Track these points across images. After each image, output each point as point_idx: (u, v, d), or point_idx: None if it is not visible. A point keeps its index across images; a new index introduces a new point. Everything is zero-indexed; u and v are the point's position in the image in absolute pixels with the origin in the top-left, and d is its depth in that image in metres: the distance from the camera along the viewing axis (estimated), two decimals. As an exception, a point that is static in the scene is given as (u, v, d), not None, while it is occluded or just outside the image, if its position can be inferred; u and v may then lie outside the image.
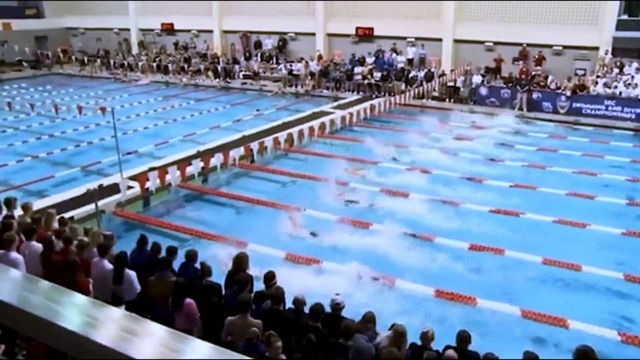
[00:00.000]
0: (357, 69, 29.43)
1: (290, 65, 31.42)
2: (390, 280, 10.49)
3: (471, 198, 14.88)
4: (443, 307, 9.70)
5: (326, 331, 6.44)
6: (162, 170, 15.16)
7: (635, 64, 25.25)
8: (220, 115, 24.99)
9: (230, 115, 24.74)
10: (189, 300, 6.66)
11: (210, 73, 33.60)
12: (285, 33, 34.50)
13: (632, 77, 24.47)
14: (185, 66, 34.53)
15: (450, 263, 11.49)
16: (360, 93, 28.81)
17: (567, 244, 12.43)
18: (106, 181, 14.98)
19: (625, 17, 26.03)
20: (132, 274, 7.38)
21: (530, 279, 11.05)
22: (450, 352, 6.07)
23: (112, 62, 37.45)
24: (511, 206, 14.19)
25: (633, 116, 23.27)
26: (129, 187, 14.44)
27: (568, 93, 24.48)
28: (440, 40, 29.90)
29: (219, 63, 34.00)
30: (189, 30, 37.87)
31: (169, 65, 35.00)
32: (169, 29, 38.69)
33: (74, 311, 2.01)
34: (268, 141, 18.53)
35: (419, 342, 6.52)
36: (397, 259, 11.53)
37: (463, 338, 6.30)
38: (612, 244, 12.53)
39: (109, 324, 1.98)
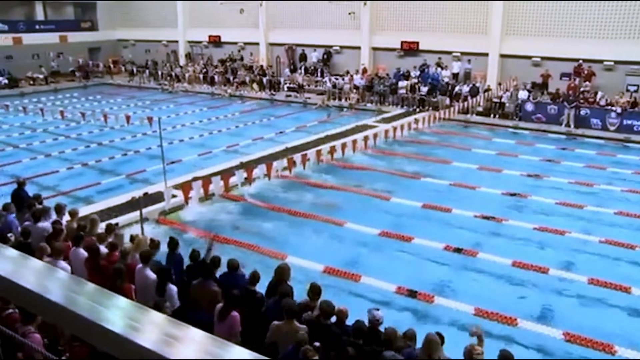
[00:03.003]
0: (402, 83, 29.35)
1: (335, 79, 31.56)
2: (427, 298, 10.42)
3: (514, 215, 14.66)
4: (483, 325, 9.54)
5: (367, 347, 6.39)
6: (206, 180, 15.39)
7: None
8: (265, 127, 25.23)
9: (274, 128, 24.96)
10: (234, 313, 6.73)
11: (255, 85, 33.99)
12: (331, 46, 34.70)
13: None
14: (231, 78, 35.03)
15: (492, 280, 11.37)
16: (405, 107, 28.71)
17: (616, 264, 12.14)
18: (151, 189, 15.30)
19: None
20: (173, 288, 7.48)
21: (574, 299, 10.80)
22: None
23: (159, 72, 38.28)
24: (557, 224, 13.92)
25: (686, 134, 22.55)
26: (173, 196, 14.69)
27: (619, 109, 23.89)
28: (486, 54, 29.58)
29: (264, 75, 34.39)
30: (235, 43, 38.47)
31: (215, 76, 35.57)
32: (215, 41, 39.37)
33: (118, 314, 2.06)
34: (311, 154, 18.63)
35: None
36: (438, 277, 11.47)
37: (506, 358, 6.11)
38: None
39: (152, 327, 2.02)
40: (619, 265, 12.15)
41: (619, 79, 26.25)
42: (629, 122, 23.64)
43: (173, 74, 37.63)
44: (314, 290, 7.42)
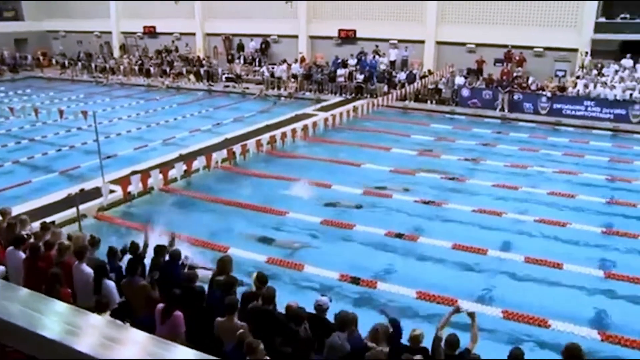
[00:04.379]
0: (340, 71, 29.49)
1: (273, 68, 31.42)
2: (370, 284, 10.56)
3: (454, 198, 15.00)
4: (426, 308, 9.74)
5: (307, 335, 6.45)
6: (145, 173, 15.11)
7: (613, 66, 25.62)
8: (204, 119, 24.90)
9: (213, 119, 24.69)
10: (177, 313, 6.62)
11: (192, 76, 33.48)
12: (268, 35, 34.52)
13: (611, 78, 24.82)
14: (168, 69, 34.37)
15: (433, 263, 11.62)
16: (343, 95, 28.87)
17: (549, 242, 12.62)
18: (88, 185, 14.92)
19: (602, 19, 26.46)
20: (110, 284, 7.32)
21: (512, 278, 11.16)
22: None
23: (93, 65, 37.17)
24: (494, 206, 14.33)
25: (611, 116, 23.63)
26: (111, 191, 14.37)
27: (549, 94, 24.76)
28: (422, 42, 30.09)
29: (201, 66, 33.90)
30: (171, 33, 37.71)
31: (151, 68, 34.83)
32: (151, 32, 38.49)
33: (54, 319, 2.00)
34: (250, 144, 18.54)
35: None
36: (378, 261, 11.64)
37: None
38: (593, 242, 12.69)
39: (91, 331, 1.98)
40: (552, 243, 12.63)
41: (548, 64, 27.28)
42: (559, 106, 24.56)
43: (107, 66, 36.64)
44: (260, 279, 7.41)
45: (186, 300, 6.85)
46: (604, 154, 19.55)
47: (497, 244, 12.39)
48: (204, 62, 34.41)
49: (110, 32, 40.08)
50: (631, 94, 23.65)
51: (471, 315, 7.02)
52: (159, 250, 8.13)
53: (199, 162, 16.60)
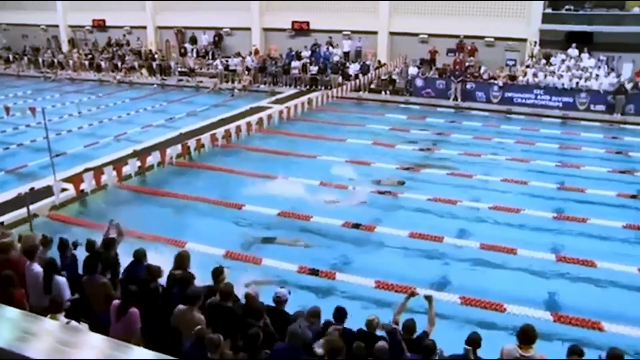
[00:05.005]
0: (294, 63, 29.44)
1: (227, 61, 31.16)
2: (329, 275, 10.62)
3: (409, 188, 15.17)
4: (385, 297, 9.85)
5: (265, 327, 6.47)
6: (98, 170, 14.83)
7: (560, 55, 26.29)
8: (157, 113, 24.54)
9: (166, 113, 24.35)
10: (134, 310, 6.53)
11: (144, 70, 32.92)
12: (221, 28, 34.14)
13: (558, 67, 25.47)
14: (119, 64, 33.72)
15: (391, 252, 11.76)
16: (298, 87, 28.85)
17: (503, 229, 12.91)
18: (38, 184, 14.56)
19: (549, 10, 27.11)
20: (61, 280, 7.17)
21: (468, 264, 11.38)
22: (382, 344, 6.13)
23: (40, 60, 36.13)
24: (449, 194, 14.56)
25: (560, 104, 24.30)
26: (63, 190, 14.05)
27: (500, 83, 25.27)
28: (376, 33, 30.25)
29: (154, 60, 33.36)
30: (121, 27, 36.87)
31: (102, 62, 34.10)
32: (100, 26, 37.57)
33: (5, 326, 1.96)
34: (205, 138, 18.38)
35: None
36: (336, 252, 11.71)
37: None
38: (545, 227, 13.04)
39: (44, 337, 1.94)
40: (506, 229, 12.96)
41: (499, 54, 27.82)
42: (510, 94, 25.13)
43: (55, 60, 35.67)
44: (215, 273, 7.38)
45: (142, 297, 6.77)
46: (553, 141, 20.06)
47: (453, 231, 12.63)
48: (156, 56, 33.86)
49: (57, 26, 38.92)
50: (577, 83, 24.34)
51: (428, 298, 7.15)
52: (109, 243, 7.99)
53: (153, 158, 16.38)
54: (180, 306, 6.51)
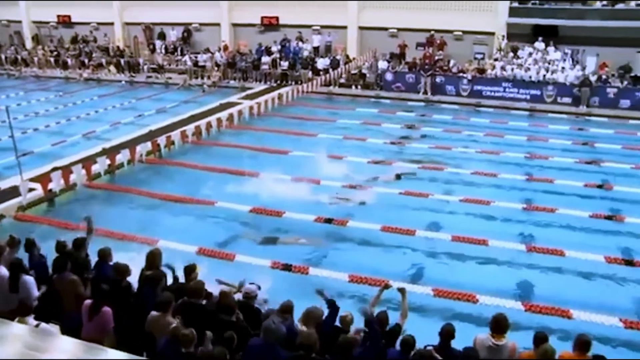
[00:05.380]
0: (264, 59, 29.33)
1: (196, 57, 30.89)
2: (302, 270, 10.64)
3: (381, 182, 15.25)
4: (359, 291, 9.89)
5: (242, 325, 6.45)
6: (66, 170, 14.60)
7: (527, 49, 26.67)
8: (126, 111, 24.23)
9: (135, 110, 24.07)
10: (106, 309, 6.46)
11: (112, 67, 32.46)
12: (190, 24, 33.79)
13: (525, 60, 25.84)
14: (86, 61, 33.17)
15: (364, 247, 11.81)
16: (268, 83, 28.75)
17: (474, 220, 13.07)
18: (4, 184, 14.29)
19: (516, 4, 27.46)
20: (29, 280, 7.05)
21: (440, 256, 11.49)
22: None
23: (3, 57, 35.29)
24: (421, 188, 14.67)
25: (528, 97, 24.70)
26: (31, 190, 13.80)
27: (469, 76, 25.54)
28: (345, 27, 30.30)
29: (122, 56, 32.91)
30: (88, 23, 36.24)
31: (68, 59, 33.52)
32: (66, 22, 36.90)
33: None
34: (175, 135, 18.22)
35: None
36: (309, 247, 11.72)
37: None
38: (515, 218, 13.25)
39: (12, 342, 1.90)
40: (477, 221, 13.12)
41: (467, 48, 28.11)
42: (479, 87, 25.44)
43: (19, 57, 34.93)
44: (187, 270, 7.34)
45: (114, 295, 6.70)
46: (522, 133, 20.37)
47: (424, 224, 12.72)
48: (124, 52, 33.39)
49: (20, 21, 38.05)
50: (544, 76, 24.73)
51: (401, 290, 7.20)
52: (79, 243, 7.88)
53: (123, 156, 16.19)
54: (154, 313, 6.45)
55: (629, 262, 10.95)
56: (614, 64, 25.39)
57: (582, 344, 5.96)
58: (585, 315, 9.00)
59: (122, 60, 32.57)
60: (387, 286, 7.44)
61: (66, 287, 7.03)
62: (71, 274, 7.24)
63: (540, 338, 6.05)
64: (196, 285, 6.86)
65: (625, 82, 24.34)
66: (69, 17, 36.60)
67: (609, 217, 13.09)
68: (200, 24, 33.69)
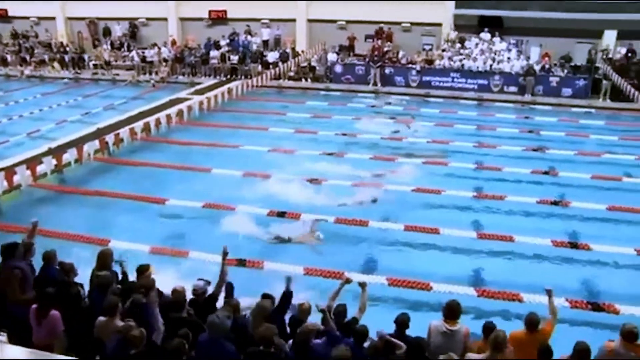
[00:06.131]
0: (213, 53, 29.04)
1: (143, 52, 30.32)
2: (256, 264, 10.62)
3: (332, 173, 15.29)
4: (315, 284, 9.92)
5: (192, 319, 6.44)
6: (9, 170, 14.15)
7: (474, 39, 27.16)
8: (72, 108, 23.62)
9: (82, 108, 23.49)
10: (54, 312, 6.30)
11: (56, 64, 31.57)
12: (136, 19, 33.12)
13: (472, 51, 26.32)
14: (27, 57, 32.16)
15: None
16: (217, 77, 28.50)
17: (426, 210, 13.26)
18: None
19: (462, -5, 27.90)
20: None
21: (394, 246, 11.63)
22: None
23: None
24: (372, 179, 14.79)
25: (475, 87, 25.19)
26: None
27: (418, 67, 25.90)
28: (294, 20, 30.25)
29: (65, 53, 32.04)
30: (27, 17, 35.00)
31: (8, 56, 32.42)
32: (2, 16, 35.54)
33: None
34: (124, 132, 17.87)
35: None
36: (263, 242, 11.69)
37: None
38: (465, 206, 13.53)
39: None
40: (429, 210, 13.32)
41: (415, 39, 28.47)
42: (428, 78, 25.85)
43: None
44: (140, 270, 7.25)
45: (62, 298, 6.55)
46: (471, 123, 20.75)
47: (377, 215, 12.82)
48: (67, 48, 32.51)
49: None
50: (491, 66, 25.28)
51: (362, 285, 7.26)
52: (27, 248, 7.67)
53: (70, 155, 15.77)
54: (101, 318, 6.34)
55: (574, 245, 11.34)
56: (555, 54, 26.22)
57: (530, 322, 6.19)
58: (536, 298, 9.22)
59: (66, 57, 31.70)
60: (348, 281, 7.48)
61: (6, 276, 6.91)
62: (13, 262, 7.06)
63: (489, 328, 6.23)
64: (146, 284, 6.75)
65: (566, 71, 25.13)
66: (5, 11, 35.25)
67: (555, 203, 13.47)
68: (147, 19, 33.07)
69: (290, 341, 6.28)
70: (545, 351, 5.78)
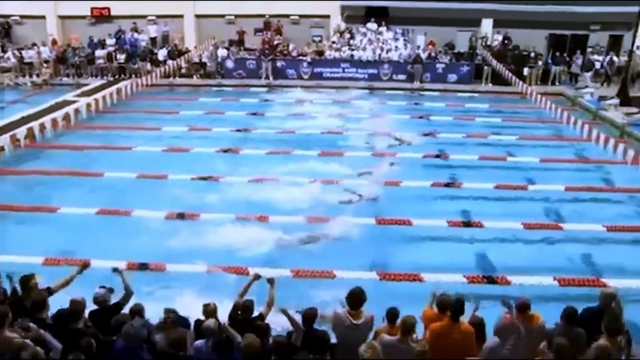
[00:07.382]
0: (99, 52, 27.89)
1: (20, 53, 28.57)
2: (159, 267, 10.36)
3: (230, 170, 15.13)
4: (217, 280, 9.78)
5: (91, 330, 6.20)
6: None
7: (362, 29, 27.79)
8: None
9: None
10: None
11: None
12: (9, 16, 31.05)
13: (361, 41, 26.89)
14: None
15: (217, 236, 11.68)
16: (105, 77, 27.44)
17: (327, 198, 13.42)
18: None
19: (348, -13, 28.43)
20: None
21: (296, 238, 11.67)
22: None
23: None
24: (271, 173, 14.78)
25: (366, 76, 25.82)
26: None
27: (309, 59, 26.15)
28: (181, 16, 29.66)
29: None
30: None
31: None
32: None
33: None
34: (4, 140, 16.79)
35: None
36: (165, 244, 11.40)
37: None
38: (364, 194, 13.77)
39: None
40: (328, 200, 13.39)
41: (305, 31, 28.77)
42: (319, 69, 26.30)
43: None
44: (23, 282, 6.86)
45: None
46: (363, 112, 21.24)
47: (277, 208, 12.77)
48: None
49: None
50: (380, 55, 25.96)
51: (270, 281, 7.23)
52: None
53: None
54: None
55: (467, 224, 11.92)
56: (439, 42, 27.39)
57: (440, 302, 6.43)
58: (435, 276, 9.59)
59: None
60: (257, 277, 7.41)
61: None
62: None
63: (393, 314, 6.36)
64: (37, 298, 6.41)
65: (449, 58, 26.29)
66: None
67: (447, 185, 14.06)
68: (22, 17, 31.07)
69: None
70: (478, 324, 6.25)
